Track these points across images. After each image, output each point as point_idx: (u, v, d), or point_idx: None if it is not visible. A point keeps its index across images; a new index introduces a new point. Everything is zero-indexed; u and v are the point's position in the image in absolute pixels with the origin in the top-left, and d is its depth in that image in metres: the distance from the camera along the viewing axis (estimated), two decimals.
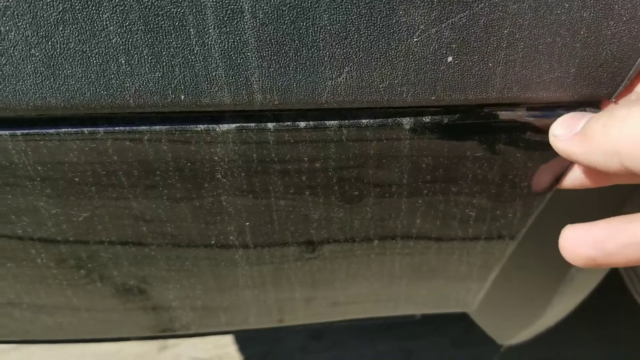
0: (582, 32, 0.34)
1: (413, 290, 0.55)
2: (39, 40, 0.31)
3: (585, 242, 0.36)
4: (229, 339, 1.21)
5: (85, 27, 0.31)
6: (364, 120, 0.37)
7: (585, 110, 0.37)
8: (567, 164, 0.40)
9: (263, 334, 1.19)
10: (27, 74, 0.32)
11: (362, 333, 1.23)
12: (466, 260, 0.50)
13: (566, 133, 0.36)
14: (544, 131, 0.38)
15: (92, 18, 0.30)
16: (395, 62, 0.34)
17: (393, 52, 0.33)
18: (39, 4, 0.30)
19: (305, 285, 0.52)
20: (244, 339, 1.21)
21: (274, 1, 0.31)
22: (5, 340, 0.63)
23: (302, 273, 0.51)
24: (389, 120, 0.37)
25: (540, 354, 1.16)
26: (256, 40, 0.32)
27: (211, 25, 0.31)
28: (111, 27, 0.31)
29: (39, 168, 0.37)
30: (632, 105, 0.31)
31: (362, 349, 1.19)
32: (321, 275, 0.51)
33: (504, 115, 0.37)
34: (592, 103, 0.38)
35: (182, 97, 0.33)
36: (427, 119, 0.37)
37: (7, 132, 0.35)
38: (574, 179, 0.41)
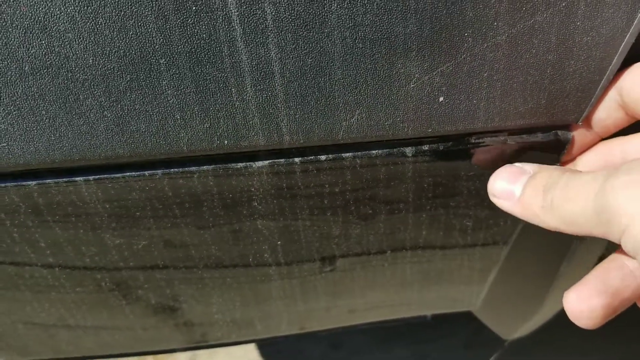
0: (548, 71, 0.41)
1: (423, 293, 0.62)
2: (111, 104, 0.39)
3: (592, 293, 0.37)
4: (255, 352, 1.28)
5: (148, 92, 0.38)
6: (373, 151, 0.44)
7: (557, 133, 0.45)
8: None
9: (286, 345, 1.26)
10: (100, 131, 0.40)
11: (378, 340, 1.30)
12: (467, 264, 0.57)
13: (503, 194, 0.41)
14: (524, 151, 0.45)
15: (153, 85, 0.38)
16: (397, 104, 0.41)
17: (394, 96, 0.41)
18: (110, 76, 0.38)
19: (327, 295, 0.60)
20: (268, 351, 1.28)
21: (298, 63, 0.38)
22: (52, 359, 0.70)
23: (324, 284, 0.58)
24: (394, 149, 0.45)
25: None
26: (284, 94, 0.40)
27: (249, 85, 0.39)
28: (169, 91, 0.38)
29: (107, 206, 0.45)
30: (565, 189, 0.36)
31: (379, 354, 1.26)
32: (342, 285, 0.58)
33: (489, 140, 0.45)
34: (563, 126, 0.45)
35: (226, 142, 0.41)
36: (425, 147, 0.45)
37: (81, 178, 0.43)
38: None
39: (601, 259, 0.60)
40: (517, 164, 0.42)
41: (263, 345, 1.26)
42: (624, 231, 0.32)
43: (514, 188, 0.40)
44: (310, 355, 1.26)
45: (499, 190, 0.42)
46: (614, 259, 0.39)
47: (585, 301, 0.36)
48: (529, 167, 0.41)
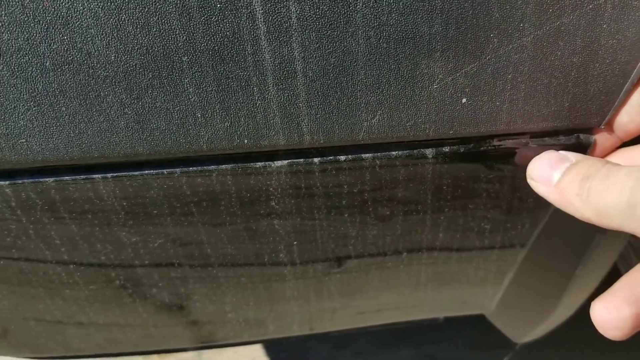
0: (572, 74, 0.41)
1: (436, 295, 0.62)
2: (131, 102, 0.38)
3: (621, 303, 0.35)
4: (260, 352, 1.28)
5: (170, 90, 0.38)
6: (393, 152, 0.44)
7: (579, 136, 0.44)
8: None
9: (291, 345, 1.26)
10: (120, 128, 0.39)
11: (384, 340, 1.29)
12: (483, 267, 0.57)
13: (541, 178, 0.41)
14: None
15: (175, 82, 0.38)
16: (419, 105, 0.41)
17: (417, 97, 0.40)
18: (132, 73, 0.37)
19: (341, 295, 0.59)
20: (274, 351, 1.28)
21: (321, 62, 0.38)
22: (59, 356, 0.69)
23: (339, 285, 0.57)
24: (415, 151, 0.44)
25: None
26: (306, 94, 0.39)
27: (271, 84, 0.38)
28: (190, 89, 0.38)
29: (124, 203, 0.44)
30: (604, 180, 0.36)
31: (385, 355, 1.26)
32: (355, 285, 0.58)
33: (510, 143, 0.44)
34: (585, 129, 0.45)
35: (246, 141, 0.41)
36: (446, 149, 0.44)
37: (99, 176, 0.42)
38: None
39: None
40: (560, 151, 0.42)
41: (268, 344, 1.25)
42: None
43: (553, 174, 0.40)
44: (315, 355, 1.26)
45: (537, 174, 0.41)
46: None
47: (614, 311, 0.34)
48: (571, 156, 0.41)
